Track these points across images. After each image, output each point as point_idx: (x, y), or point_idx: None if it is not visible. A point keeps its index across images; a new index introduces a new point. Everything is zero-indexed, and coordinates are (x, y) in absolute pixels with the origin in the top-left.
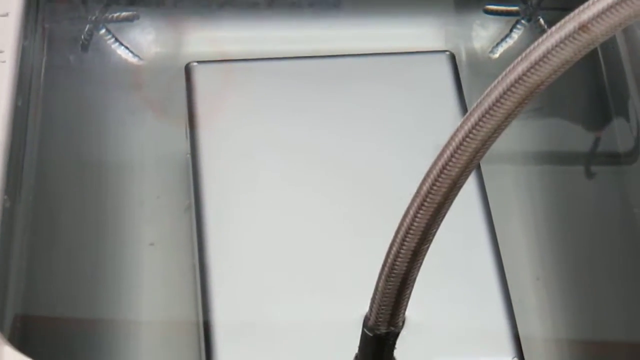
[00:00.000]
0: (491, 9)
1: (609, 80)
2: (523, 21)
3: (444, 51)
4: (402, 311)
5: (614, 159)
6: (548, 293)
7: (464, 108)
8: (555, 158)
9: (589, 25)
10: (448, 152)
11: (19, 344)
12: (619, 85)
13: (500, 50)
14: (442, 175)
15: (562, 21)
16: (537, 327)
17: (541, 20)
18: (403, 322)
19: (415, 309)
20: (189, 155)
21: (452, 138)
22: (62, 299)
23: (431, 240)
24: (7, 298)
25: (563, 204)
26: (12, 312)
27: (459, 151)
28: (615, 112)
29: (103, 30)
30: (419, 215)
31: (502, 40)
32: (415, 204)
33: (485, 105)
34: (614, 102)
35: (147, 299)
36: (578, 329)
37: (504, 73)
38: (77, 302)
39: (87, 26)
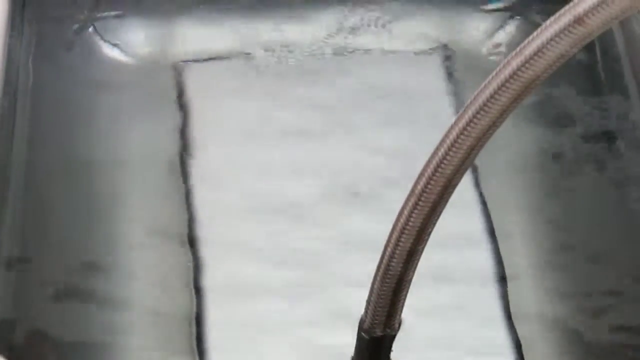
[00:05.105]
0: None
1: (605, 75)
2: (516, 16)
3: (439, 46)
4: (398, 313)
5: (609, 144)
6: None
7: (459, 104)
8: (550, 151)
9: (585, 18)
10: (442, 150)
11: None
12: (616, 79)
13: (494, 45)
14: (437, 174)
15: (557, 14)
16: (537, 327)
17: (535, 15)
18: (399, 324)
19: (411, 311)
20: (181, 155)
21: (446, 135)
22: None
23: (426, 240)
24: None
25: (561, 195)
26: None
27: (454, 149)
28: (611, 101)
29: (91, 29)
30: (413, 215)
31: (496, 34)
32: (410, 204)
33: (480, 101)
34: (611, 95)
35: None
36: (576, 321)
37: (498, 68)
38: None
39: (76, 25)
